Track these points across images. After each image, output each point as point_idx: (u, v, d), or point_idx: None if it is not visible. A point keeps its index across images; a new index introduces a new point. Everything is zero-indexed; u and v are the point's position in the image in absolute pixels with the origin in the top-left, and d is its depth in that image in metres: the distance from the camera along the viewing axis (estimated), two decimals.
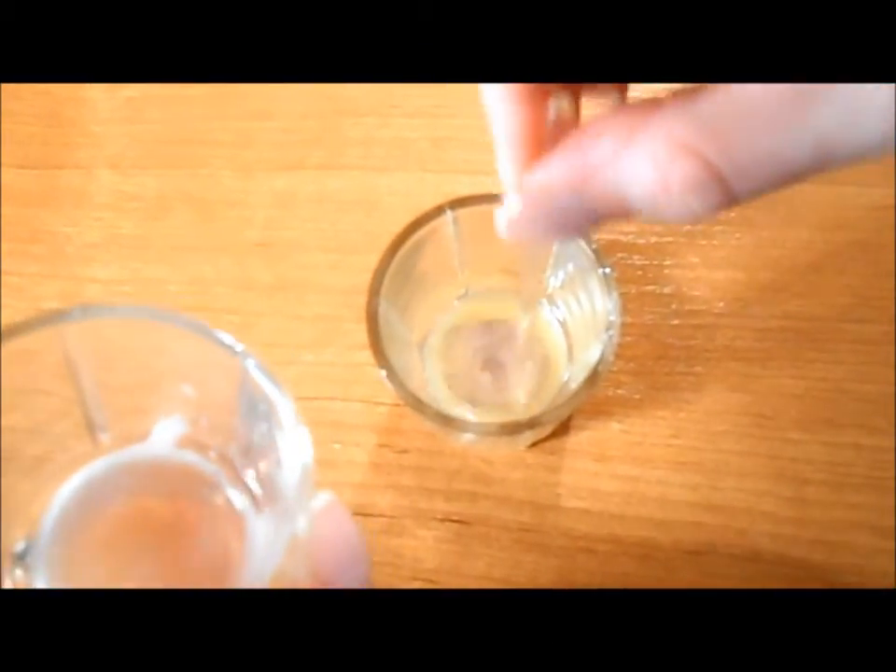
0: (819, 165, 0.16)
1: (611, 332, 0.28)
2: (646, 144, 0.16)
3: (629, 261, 0.37)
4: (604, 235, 0.38)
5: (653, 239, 0.37)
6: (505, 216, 0.20)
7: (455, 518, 0.34)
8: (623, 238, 0.38)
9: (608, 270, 0.29)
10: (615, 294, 0.29)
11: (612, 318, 0.28)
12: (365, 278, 0.30)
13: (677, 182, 0.16)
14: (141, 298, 0.40)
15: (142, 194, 0.42)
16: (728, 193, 0.16)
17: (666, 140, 0.16)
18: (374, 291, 0.29)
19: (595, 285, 0.29)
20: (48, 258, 0.41)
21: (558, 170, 0.18)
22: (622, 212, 0.18)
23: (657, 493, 0.33)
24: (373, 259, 0.30)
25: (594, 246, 0.29)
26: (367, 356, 0.29)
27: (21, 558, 0.17)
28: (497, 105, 0.20)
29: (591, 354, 0.29)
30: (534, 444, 0.34)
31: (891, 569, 0.31)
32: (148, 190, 0.42)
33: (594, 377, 0.28)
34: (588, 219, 0.19)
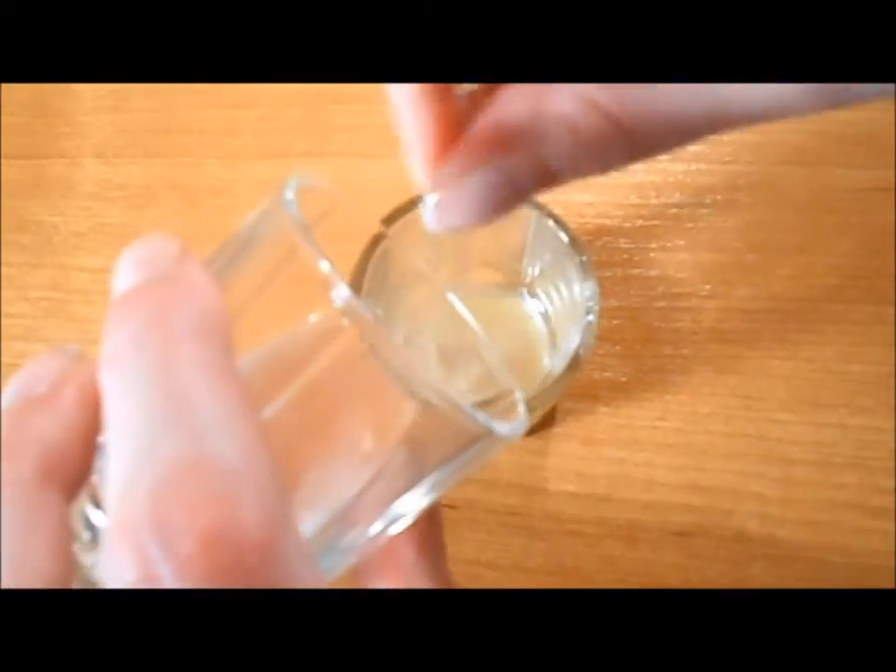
0: (713, 123, 0.17)
1: (590, 317, 0.28)
2: (555, 104, 0.17)
3: (615, 245, 0.37)
4: (590, 220, 0.38)
5: (639, 222, 0.37)
6: (429, 208, 0.19)
7: (442, 502, 0.34)
8: (608, 222, 0.38)
9: (584, 257, 0.29)
10: (592, 280, 0.29)
11: (591, 304, 0.28)
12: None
13: (588, 136, 0.17)
14: None
15: (127, 183, 0.42)
16: (634, 145, 0.17)
17: (573, 97, 0.17)
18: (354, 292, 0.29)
19: (573, 272, 0.29)
20: (35, 247, 0.41)
21: (477, 149, 0.18)
22: (543, 175, 0.18)
23: (644, 475, 0.33)
24: (361, 247, 0.30)
25: (569, 234, 0.29)
26: None
27: None
28: (406, 102, 0.19)
29: (572, 340, 0.29)
30: (524, 435, 0.34)
31: (878, 548, 0.31)
32: (134, 179, 0.42)
33: (575, 362, 0.28)
34: (512, 192, 0.18)
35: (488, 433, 0.15)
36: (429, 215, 0.19)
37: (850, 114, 0.38)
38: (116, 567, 0.12)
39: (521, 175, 0.18)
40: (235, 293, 0.15)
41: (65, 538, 0.13)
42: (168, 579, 0.12)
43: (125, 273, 0.15)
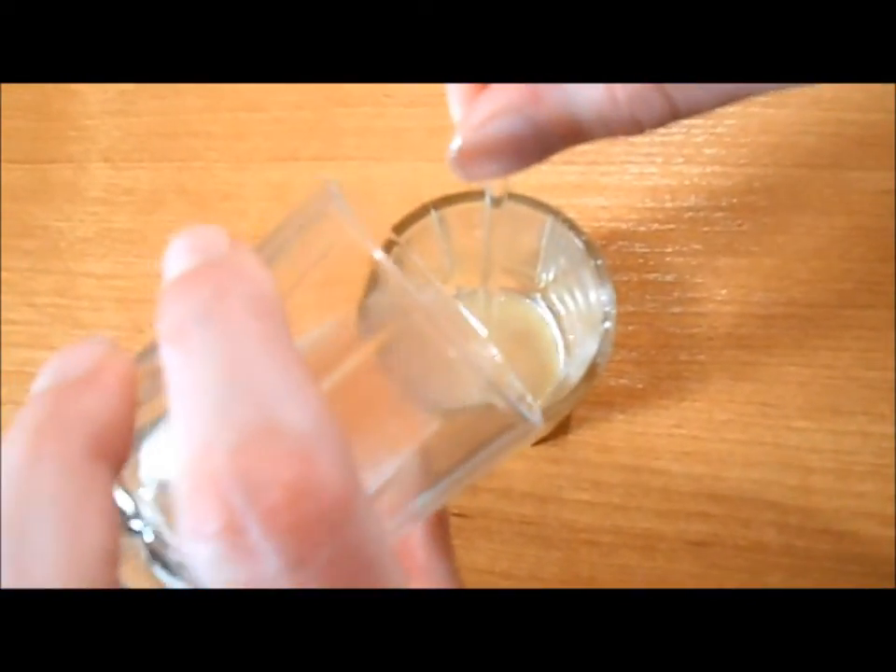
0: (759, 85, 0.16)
1: (607, 324, 0.28)
2: None
3: (630, 249, 0.36)
4: (604, 223, 0.37)
5: (654, 226, 0.37)
6: (455, 152, 0.19)
7: (456, 511, 0.33)
8: (623, 226, 0.37)
9: (599, 261, 0.28)
10: (609, 285, 0.28)
11: (608, 310, 0.28)
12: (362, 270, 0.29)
13: (622, 93, 0.16)
14: (135, 292, 0.39)
15: (135, 188, 0.41)
16: (670, 105, 0.17)
17: None
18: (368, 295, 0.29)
19: (588, 277, 0.29)
20: (41, 252, 0.41)
21: (506, 95, 0.18)
22: (571, 130, 0.18)
23: (660, 484, 0.33)
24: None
25: (584, 239, 0.29)
26: None
27: None
28: None
29: (588, 347, 0.29)
30: (538, 443, 0.34)
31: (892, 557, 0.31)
32: (142, 184, 0.42)
33: (592, 370, 0.27)
34: (538, 144, 0.18)
35: (520, 420, 0.16)
36: (453, 161, 0.19)
37: (867, 116, 0.38)
38: (196, 519, 0.12)
39: (548, 128, 0.18)
40: (280, 282, 0.16)
41: (116, 514, 0.14)
42: (253, 530, 0.12)
43: (179, 257, 0.15)
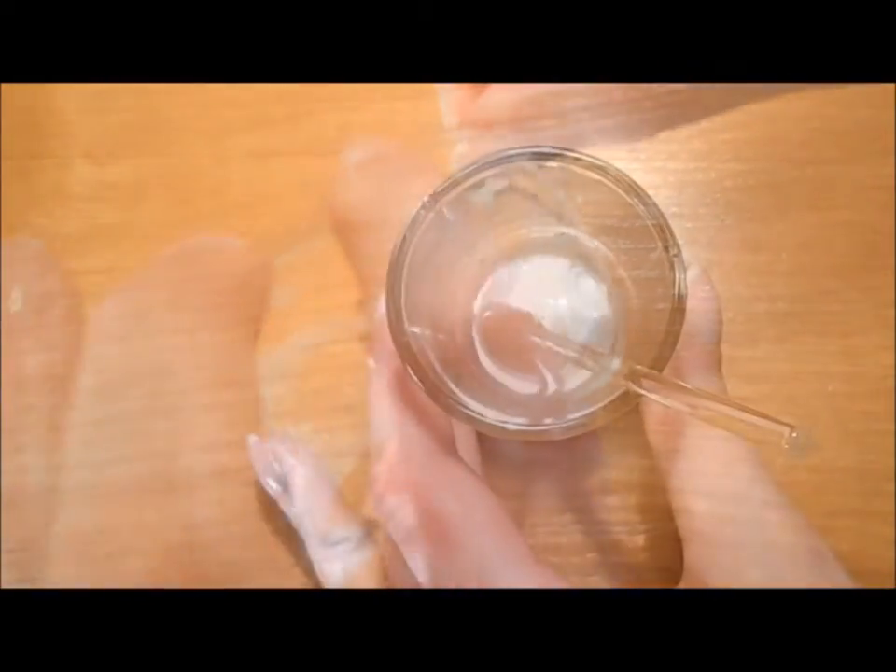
0: None
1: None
2: None
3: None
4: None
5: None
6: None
7: None
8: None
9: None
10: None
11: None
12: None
13: None
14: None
15: (118, 183, 0.41)
16: None
17: None
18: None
19: None
20: None
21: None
22: None
23: (643, 479, 0.33)
24: None
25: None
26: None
27: None
28: None
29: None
30: None
31: (883, 554, 0.31)
32: (125, 179, 0.41)
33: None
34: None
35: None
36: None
37: (852, 111, 0.38)
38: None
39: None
40: None
41: None
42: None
43: None
